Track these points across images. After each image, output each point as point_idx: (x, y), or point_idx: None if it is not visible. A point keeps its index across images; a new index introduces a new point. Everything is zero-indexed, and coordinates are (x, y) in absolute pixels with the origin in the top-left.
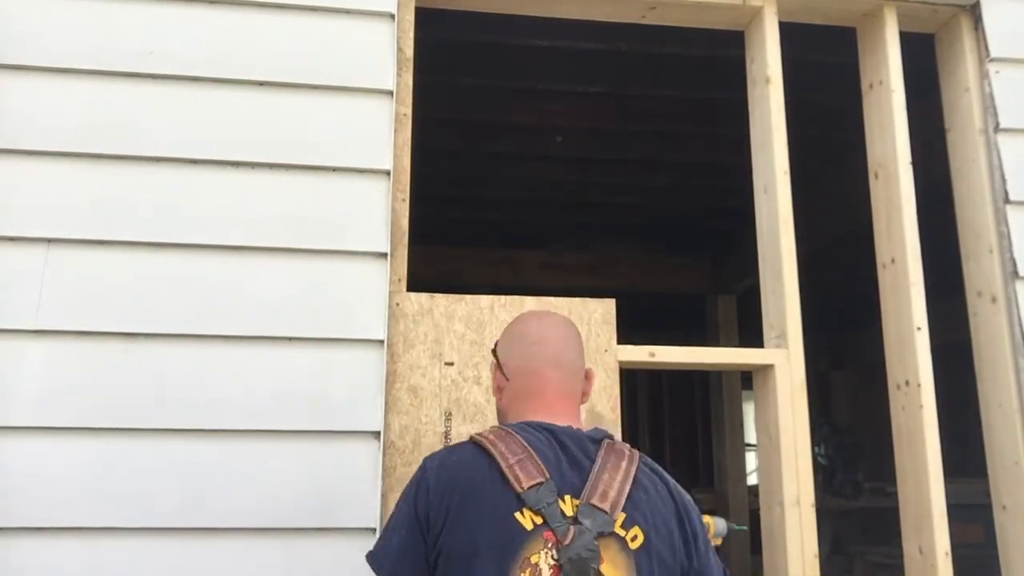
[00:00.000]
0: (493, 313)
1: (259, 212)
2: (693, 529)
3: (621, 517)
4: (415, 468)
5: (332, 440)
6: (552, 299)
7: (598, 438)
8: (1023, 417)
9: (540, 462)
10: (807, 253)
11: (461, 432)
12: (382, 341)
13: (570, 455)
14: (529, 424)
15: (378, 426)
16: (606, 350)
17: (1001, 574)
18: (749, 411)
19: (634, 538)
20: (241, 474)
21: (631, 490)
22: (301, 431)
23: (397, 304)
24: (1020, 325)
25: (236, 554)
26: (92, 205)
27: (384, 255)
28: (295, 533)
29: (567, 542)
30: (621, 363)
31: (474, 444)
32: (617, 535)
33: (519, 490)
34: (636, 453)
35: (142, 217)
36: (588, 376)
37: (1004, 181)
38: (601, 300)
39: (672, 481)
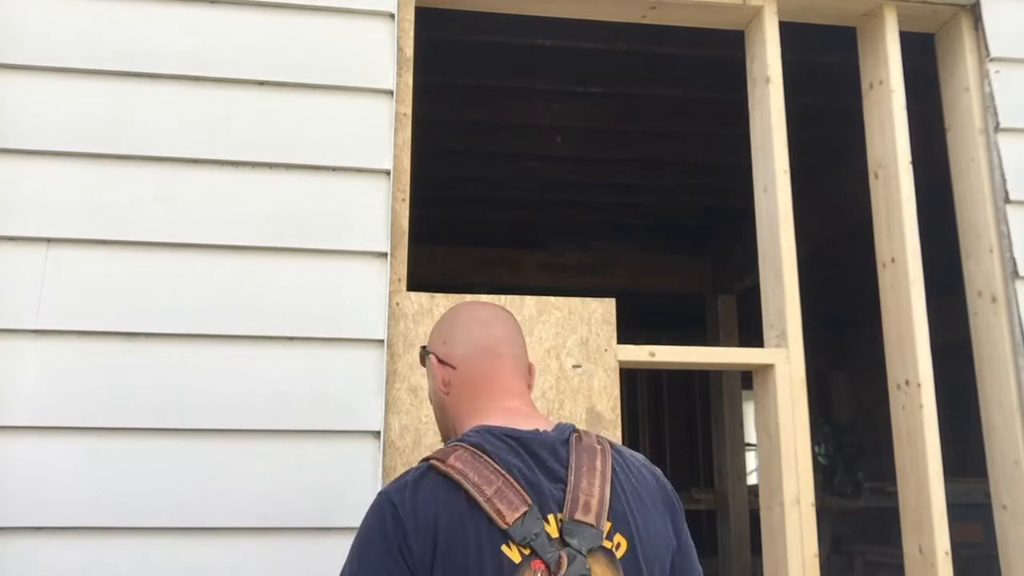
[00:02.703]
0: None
1: (259, 212)
2: (679, 504)
3: (607, 526)
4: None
5: (332, 440)
6: (552, 299)
7: (564, 437)
8: (1023, 417)
9: (518, 486)
10: (807, 253)
11: None
12: (382, 341)
13: (543, 465)
14: (490, 432)
15: (378, 426)
16: (606, 350)
17: (1001, 574)
18: (749, 411)
19: (618, 546)
20: (241, 474)
21: (611, 492)
22: (301, 431)
23: (397, 304)
24: (1020, 325)
25: (236, 554)
26: (92, 205)
27: (384, 255)
28: (295, 533)
29: (561, 573)
30: (621, 363)
31: (440, 475)
32: (604, 548)
33: (503, 526)
34: (606, 444)
35: (142, 217)
36: (531, 371)
37: (1004, 181)
38: (601, 300)
39: (639, 461)
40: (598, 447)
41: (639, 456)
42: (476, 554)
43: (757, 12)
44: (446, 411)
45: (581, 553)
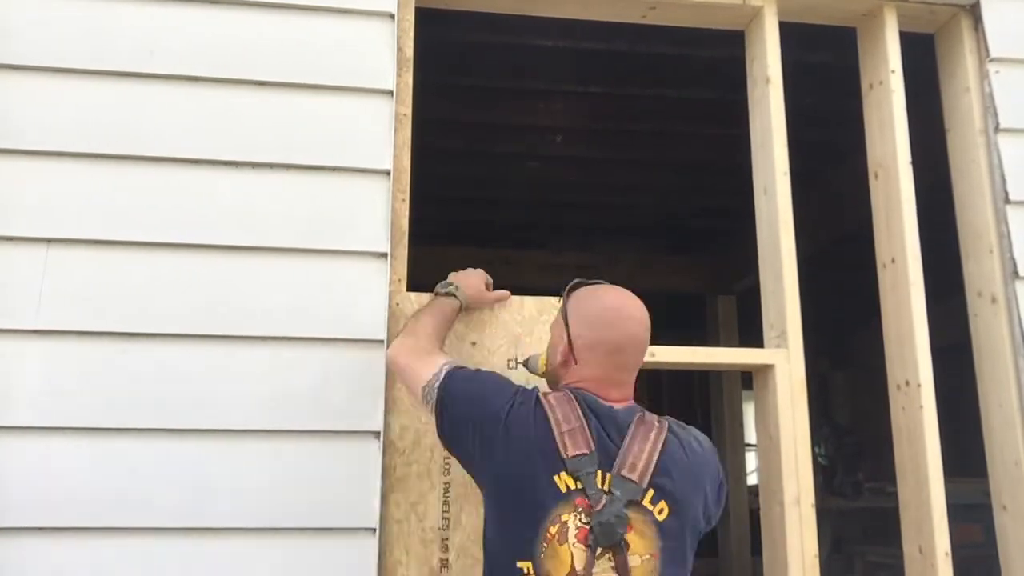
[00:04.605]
0: (493, 313)
1: (259, 212)
2: (717, 479)
3: (650, 493)
4: (415, 468)
5: (332, 440)
6: (552, 299)
7: (632, 416)
8: (1023, 417)
9: (590, 435)
10: (807, 253)
11: None
12: (382, 341)
13: (607, 433)
14: (581, 393)
15: (378, 426)
16: None
17: (1001, 574)
18: (749, 411)
19: (660, 511)
20: (241, 474)
21: (659, 460)
22: (301, 431)
23: (397, 304)
24: (1020, 325)
25: (236, 554)
26: (92, 205)
27: (384, 255)
28: (295, 533)
29: (599, 508)
30: None
31: (538, 400)
32: (645, 508)
33: (564, 456)
34: (666, 422)
35: (142, 217)
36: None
37: (1004, 181)
38: None
39: (698, 435)
40: (656, 424)
41: (699, 436)
42: (534, 470)
43: (757, 12)
44: (556, 370)
45: (620, 500)
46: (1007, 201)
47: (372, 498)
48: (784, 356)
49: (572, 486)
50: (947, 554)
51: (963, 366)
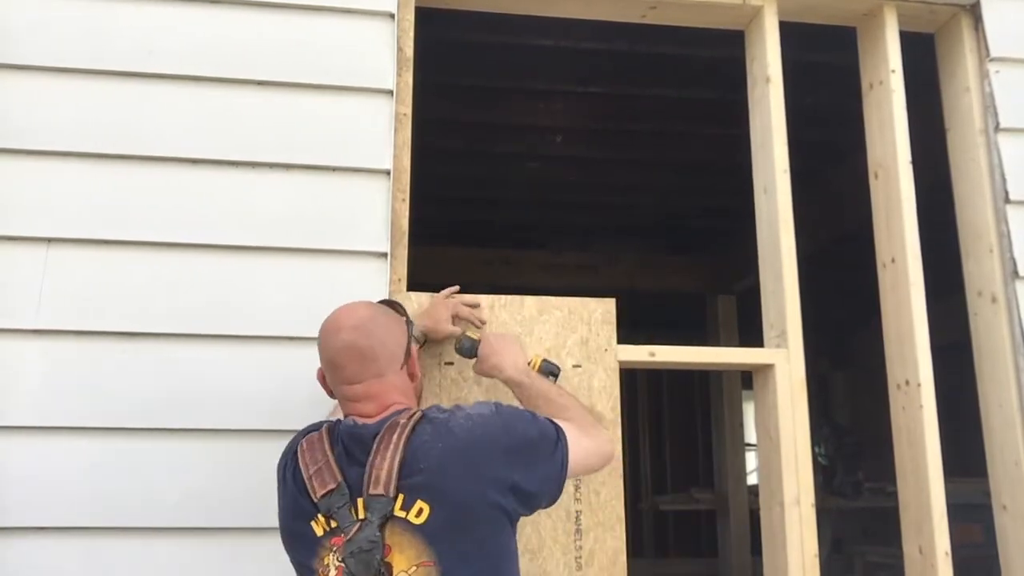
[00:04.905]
0: (493, 313)
1: (259, 212)
2: (494, 453)
3: (400, 499)
4: None
5: None
6: (552, 299)
7: (380, 428)
8: (1023, 417)
9: (336, 468)
10: (807, 253)
11: None
12: None
13: (352, 454)
14: (340, 425)
15: None
16: (606, 350)
17: (1001, 574)
18: (749, 411)
19: (419, 512)
20: (242, 474)
21: (403, 459)
22: None
23: None
24: (1020, 325)
25: (236, 554)
26: (92, 205)
27: (384, 255)
28: None
29: (349, 537)
30: (621, 363)
31: (294, 452)
32: (398, 517)
33: (314, 498)
34: (414, 417)
35: (142, 217)
36: (411, 353)
37: (1004, 181)
38: (601, 300)
39: (463, 413)
40: (402, 422)
41: (479, 410)
42: (300, 521)
43: (757, 12)
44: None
45: (372, 522)
46: (1007, 201)
47: None
48: (784, 356)
49: (328, 527)
50: (947, 554)
51: (963, 366)
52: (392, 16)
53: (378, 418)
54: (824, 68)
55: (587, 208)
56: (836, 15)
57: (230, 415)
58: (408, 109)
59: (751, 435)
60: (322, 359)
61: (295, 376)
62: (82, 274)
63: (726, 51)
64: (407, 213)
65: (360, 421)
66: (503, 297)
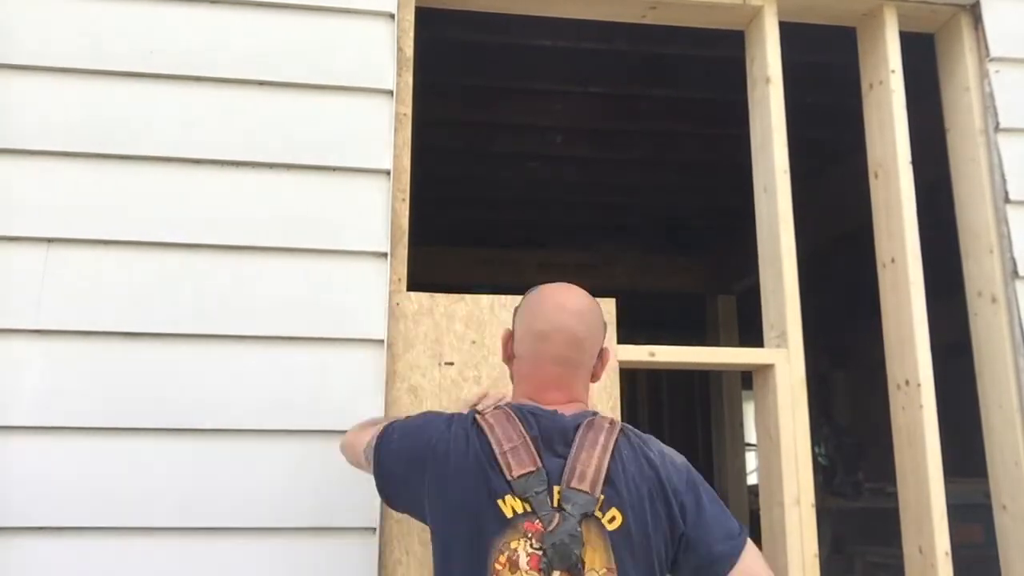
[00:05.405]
0: (493, 313)
1: (259, 212)
2: (675, 495)
3: (600, 500)
4: None
5: (332, 440)
6: None
7: (580, 421)
8: (1023, 417)
9: (535, 451)
10: (807, 253)
11: None
12: (382, 341)
13: (550, 443)
14: (520, 407)
15: None
16: None
17: (1001, 574)
18: (749, 411)
19: (611, 520)
20: (241, 474)
21: (609, 465)
22: (301, 431)
23: (397, 304)
24: (1020, 325)
25: (236, 554)
26: (92, 205)
27: (384, 255)
28: (295, 533)
29: (551, 528)
30: (621, 363)
31: (474, 423)
32: (595, 518)
33: (507, 476)
34: (617, 425)
35: (142, 217)
36: (602, 356)
37: (1004, 181)
38: (601, 300)
39: (657, 448)
40: (606, 426)
41: (662, 448)
42: (477, 495)
43: (757, 12)
44: (510, 375)
45: (573, 516)
46: (1007, 201)
47: (372, 498)
48: (784, 356)
49: (519, 509)
50: (947, 554)
51: (963, 366)
52: (392, 16)
53: (570, 411)
54: (824, 68)
55: (587, 208)
56: (836, 15)
57: (230, 415)
58: (408, 109)
59: (751, 435)
60: (528, 327)
61: (295, 376)
62: (82, 274)
63: (726, 51)
64: (407, 213)
65: (548, 408)
66: (503, 297)
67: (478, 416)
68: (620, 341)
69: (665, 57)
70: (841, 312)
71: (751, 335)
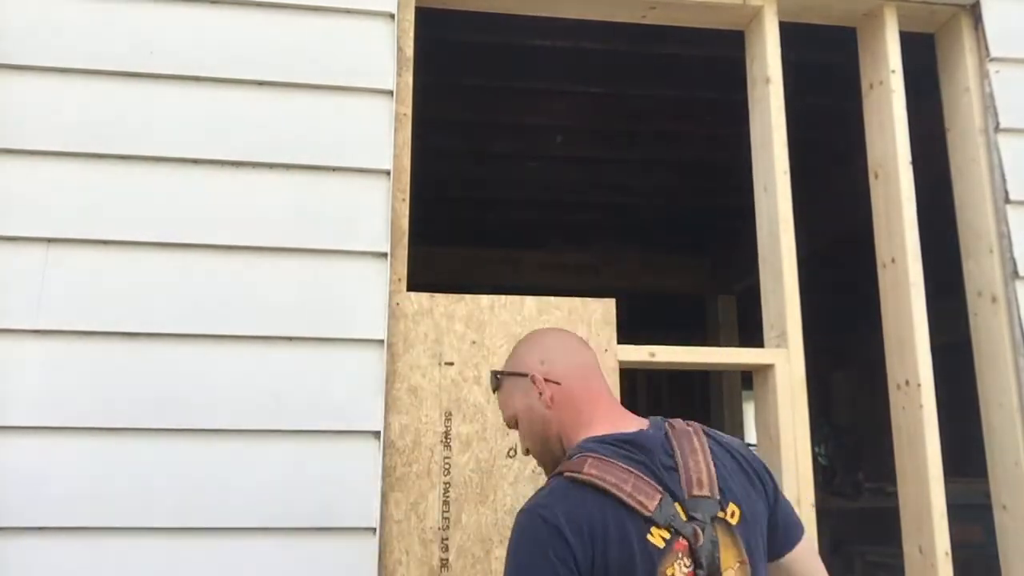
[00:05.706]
0: (493, 313)
1: (259, 212)
2: (761, 478)
3: (719, 499)
4: (415, 468)
5: (332, 440)
6: (552, 299)
7: (662, 431)
8: (1023, 417)
9: (648, 479)
10: (807, 253)
11: (460, 432)
12: (382, 341)
13: (655, 459)
14: (601, 441)
15: (378, 426)
16: (606, 350)
17: (1001, 574)
18: (749, 411)
19: (732, 515)
20: (241, 474)
21: (716, 466)
22: (301, 431)
23: (397, 304)
24: (1020, 325)
25: (236, 554)
26: (92, 205)
27: (384, 255)
28: (295, 533)
29: (699, 543)
30: (621, 363)
31: (580, 484)
32: (719, 517)
33: (647, 513)
34: (695, 424)
35: (142, 217)
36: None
37: (1004, 181)
38: (601, 300)
39: (725, 438)
40: (690, 429)
41: (722, 437)
42: (628, 546)
43: (757, 12)
44: (549, 426)
45: (706, 523)
46: (1007, 201)
47: (372, 498)
48: (784, 356)
49: (666, 536)
50: (947, 554)
51: (963, 366)
52: (392, 16)
53: (646, 426)
54: (824, 68)
55: (587, 208)
56: (836, 15)
57: (231, 415)
58: (408, 109)
59: (751, 435)
60: (564, 368)
61: (295, 376)
62: (82, 274)
63: (726, 51)
64: (407, 213)
65: (626, 433)
66: (503, 297)
67: (575, 476)
68: (620, 341)
69: (665, 57)
70: (841, 312)
71: (751, 335)
